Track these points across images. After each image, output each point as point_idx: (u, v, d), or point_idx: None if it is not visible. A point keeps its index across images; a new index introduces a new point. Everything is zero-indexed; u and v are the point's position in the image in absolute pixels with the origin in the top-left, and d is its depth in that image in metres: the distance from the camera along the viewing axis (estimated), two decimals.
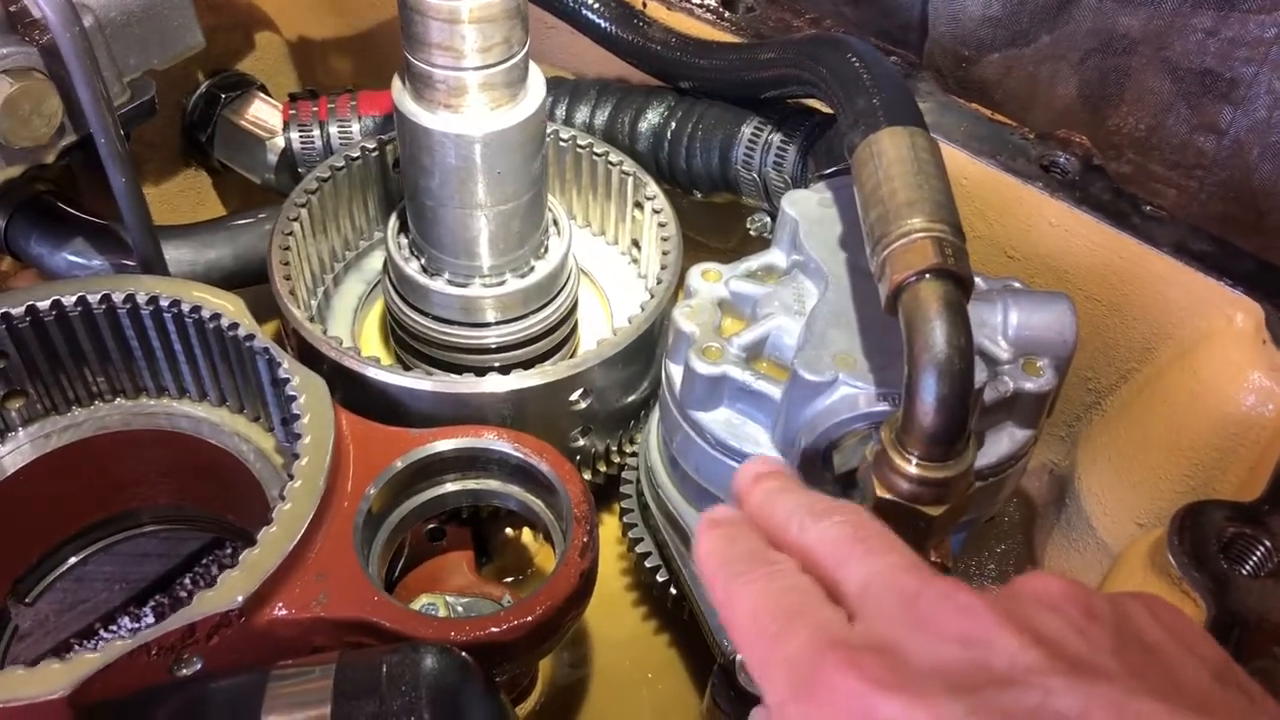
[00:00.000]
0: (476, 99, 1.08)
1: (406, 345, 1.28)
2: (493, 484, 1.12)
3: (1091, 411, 1.32)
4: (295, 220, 1.28)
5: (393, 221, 1.25)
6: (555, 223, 1.27)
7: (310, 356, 1.17)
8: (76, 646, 1.36)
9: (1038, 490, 1.42)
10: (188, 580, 1.44)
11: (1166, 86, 1.42)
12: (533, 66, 1.13)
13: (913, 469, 0.83)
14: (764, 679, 0.64)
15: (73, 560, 1.30)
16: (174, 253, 1.35)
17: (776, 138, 1.29)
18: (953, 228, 0.87)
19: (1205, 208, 1.48)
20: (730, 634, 0.68)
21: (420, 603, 1.14)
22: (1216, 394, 1.13)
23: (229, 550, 1.45)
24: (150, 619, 1.40)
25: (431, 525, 1.26)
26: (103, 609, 1.38)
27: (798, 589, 0.66)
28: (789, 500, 0.73)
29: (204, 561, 1.45)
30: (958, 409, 0.81)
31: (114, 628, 1.39)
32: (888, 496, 0.85)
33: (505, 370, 1.17)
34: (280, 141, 1.49)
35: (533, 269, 1.23)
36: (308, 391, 1.06)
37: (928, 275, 0.84)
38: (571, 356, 1.30)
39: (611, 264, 1.47)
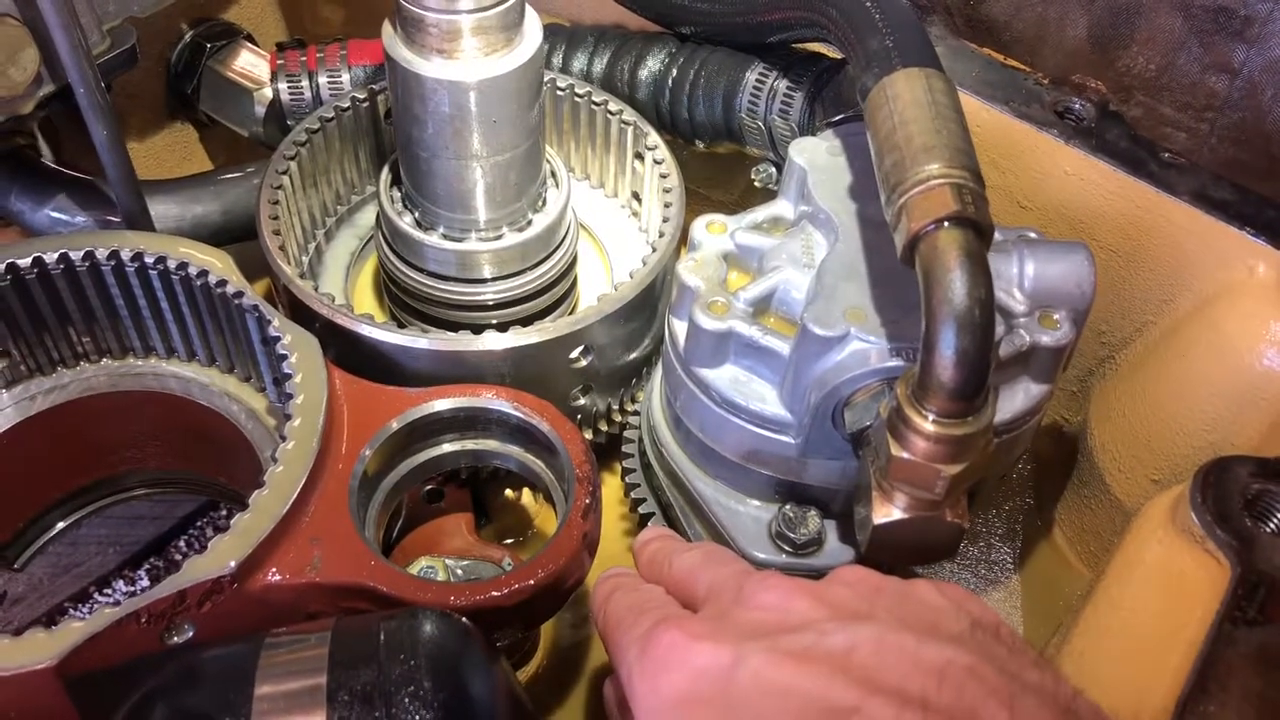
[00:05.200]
0: (470, 44, 1.03)
1: (401, 302, 1.25)
2: (492, 444, 1.09)
3: (1105, 365, 1.29)
4: (284, 174, 1.24)
5: (385, 174, 1.21)
6: (553, 174, 1.23)
7: (302, 314, 1.13)
8: (71, 610, 1.34)
9: (1047, 447, 1.40)
10: (182, 543, 1.42)
11: (1178, 24, 1.38)
12: (529, 10, 1.09)
13: (930, 426, 0.80)
14: (619, 660, 0.79)
15: (61, 525, 1.27)
16: (160, 208, 1.32)
17: (782, 84, 1.25)
18: (972, 174, 0.83)
19: (1216, 152, 1.45)
20: (603, 641, 0.85)
21: (419, 566, 1.11)
22: (1236, 346, 1.10)
23: (224, 512, 1.42)
24: (145, 582, 1.37)
25: (430, 487, 1.23)
26: (96, 573, 1.36)
27: (653, 597, 0.85)
28: (665, 548, 0.92)
29: (199, 524, 1.43)
30: (978, 363, 0.78)
31: (108, 591, 1.37)
32: (904, 455, 0.82)
33: (503, 327, 1.13)
34: (268, 93, 1.45)
35: (531, 222, 1.20)
36: (299, 350, 1.03)
37: (946, 223, 0.81)
38: (571, 313, 1.27)
39: (611, 217, 1.43)
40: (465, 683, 0.78)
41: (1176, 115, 1.45)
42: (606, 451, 1.32)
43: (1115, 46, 1.45)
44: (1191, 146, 1.45)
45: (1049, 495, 1.37)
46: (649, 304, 1.20)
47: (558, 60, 1.39)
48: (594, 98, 1.35)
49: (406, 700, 0.74)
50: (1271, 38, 1.33)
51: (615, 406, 1.27)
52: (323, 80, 1.41)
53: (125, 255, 1.09)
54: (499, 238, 1.18)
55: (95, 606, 1.34)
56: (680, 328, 1.04)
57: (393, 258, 1.21)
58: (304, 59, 1.42)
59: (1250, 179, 1.19)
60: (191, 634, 0.87)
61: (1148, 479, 1.19)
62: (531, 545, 1.35)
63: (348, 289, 1.34)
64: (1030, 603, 1.33)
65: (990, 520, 1.40)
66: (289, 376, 1.01)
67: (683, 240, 1.18)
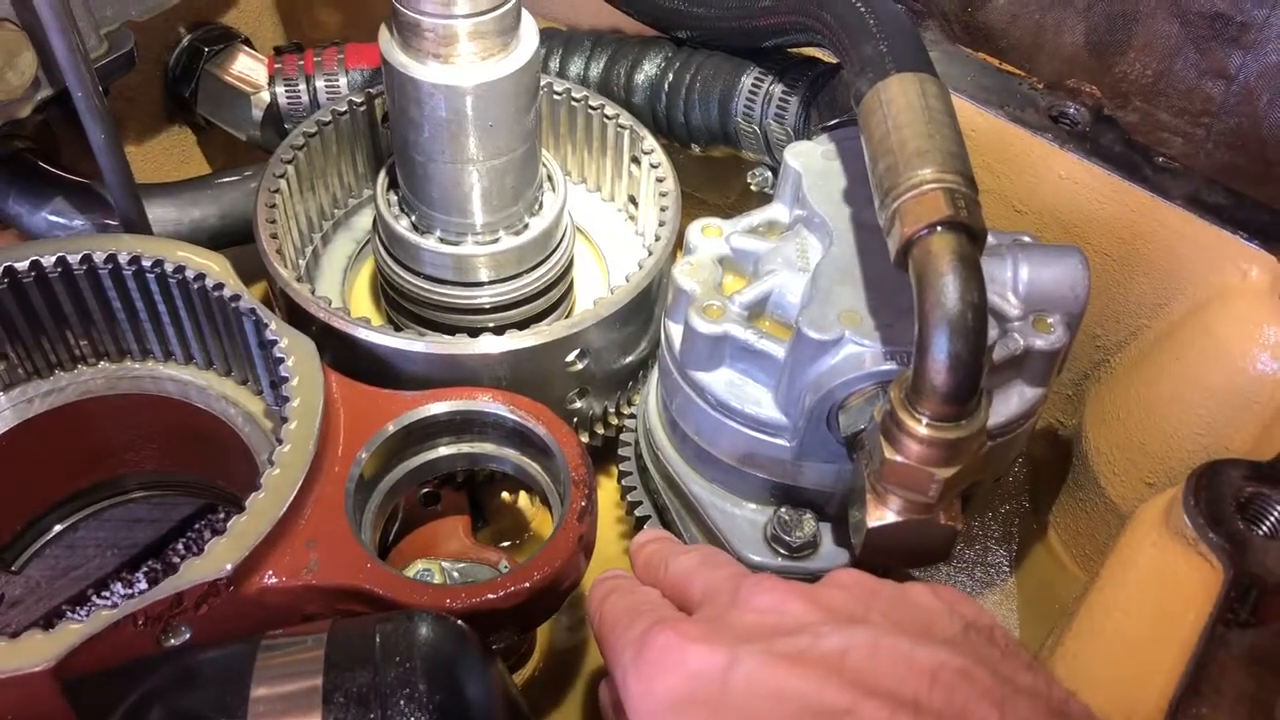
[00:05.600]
0: (467, 48, 1.04)
1: (398, 305, 1.25)
2: (488, 447, 1.09)
3: (1099, 369, 1.29)
4: (281, 177, 1.24)
5: (382, 178, 1.22)
6: (550, 178, 1.24)
7: (298, 317, 1.13)
8: (69, 613, 1.34)
9: (1042, 450, 1.40)
10: (180, 546, 1.42)
11: (1175, 30, 1.39)
12: (525, 15, 1.09)
13: (923, 430, 0.81)
14: (614, 663, 0.79)
15: (59, 528, 1.27)
16: (157, 211, 1.32)
17: (778, 89, 1.25)
18: (965, 178, 0.84)
19: (1212, 157, 1.45)
20: (598, 643, 0.85)
21: (415, 568, 1.12)
22: (1230, 350, 1.10)
23: (222, 515, 1.42)
24: (143, 585, 1.38)
25: (426, 489, 1.23)
26: (95, 575, 1.36)
27: (649, 599, 0.86)
28: (661, 550, 0.93)
29: (196, 526, 1.43)
30: (971, 367, 0.79)
31: (106, 594, 1.37)
32: (897, 458, 0.82)
33: (500, 331, 1.14)
34: (265, 96, 1.45)
35: (527, 226, 1.20)
36: (296, 353, 1.03)
37: (939, 228, 0.81)
38: (567, 316, 1.27)
39: (607, 221, 1.43)
40: (461, 685, 0.79)
41: (1173, 121, 1.46)
42: (602, 455, 1.32)
43: (1112, 52, 1.45)
44: (1187, 152, 1.45)
45: (1044, 498, 1.38)
46: (645, 307, 1.21)
47: (554, 64, 1.39)
48: (590, 102, 1.35)
49: (402, 702, 0.75)
50: (1267, 43, 1.33)
51: (611, 410, 1.28)
52: (320, 84, 1.41)
53: (123, 259, 1.10)
54: (495, 241, 1.18)
55: (93, 609, 1.34)
56: (676, 331, 1.04)
57: (389, 261, 1.22)
58: (301, 63, 1.42)
59: (1245, 184, 1.19)
60: (188, 636, 0.88)
61: (1142, 482, 1.19)
62: (528, 548, 1.35)
63: (344, 292, 1.34)
64: (1026, 605, 1.34)
65: (986, 523, 1.40)
66: (286, 380, 1.01)
67: (678, 244, 1.18)
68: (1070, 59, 1.48)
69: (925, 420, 0.81)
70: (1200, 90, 1.41)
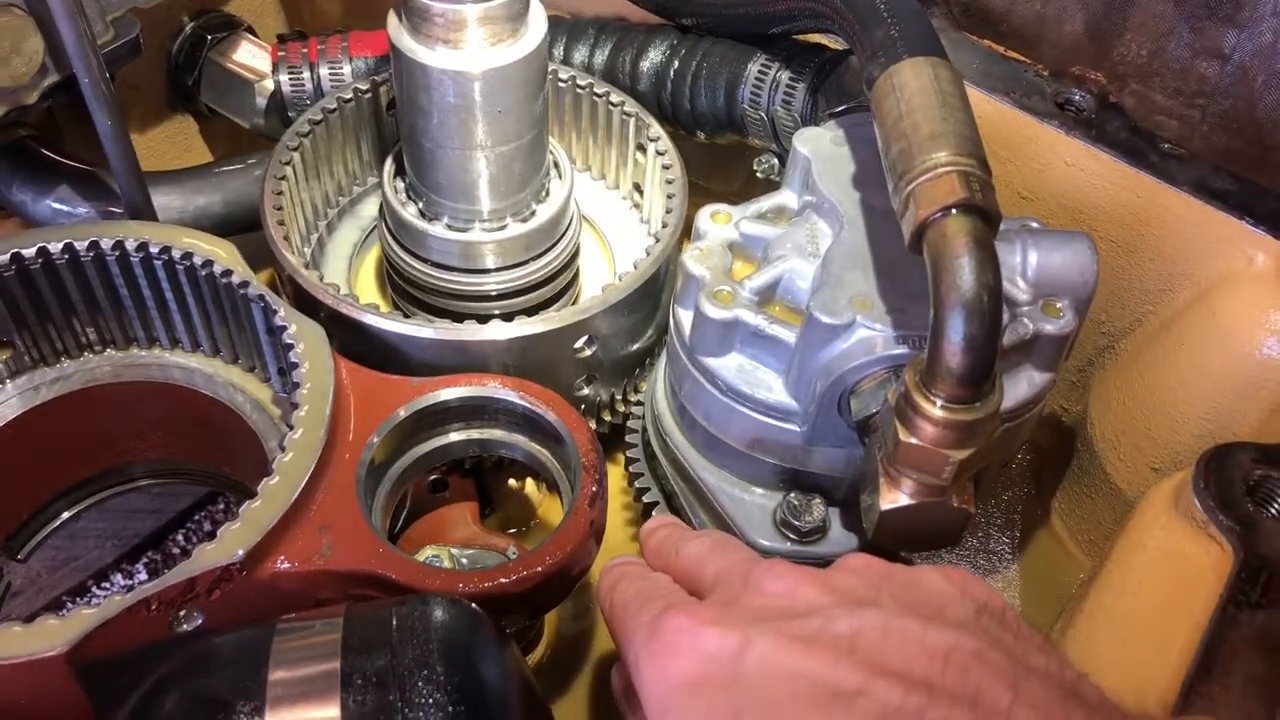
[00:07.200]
0: (476, 34, 1.04)
1: (404, 292, 1.25)
2: (498, 433, 1.09)
3: (1104, 355, 1.29)
4: (288, 164, 1.24)
5: (389, 165, 1.22)
6: (556, 165, 1.24)
7: (306, 304, 1.13)
8: (69, 604, 1.34)
9: (1047, 436, 1.40)
10: (180, 536, 1.42)
11: (1169, 9, 1.39)
12: (534, 1, 1.09)
13: (938, 412, 0.81)
14: (626, 647, 0.80)
15: (65, 516, 1.27)
16: (162, 199, 1.31)
17: (785, 75, 1.25)
18: (979, 161, 0.84)
19: (1208, 140, 1.45)
20: (609, 628, 0.86)
21: (424, 555, 1.11)
22: (1236, 336, 1.11)
23: (222, 505, 1.42)
24: (143, 575, 1.38)
25: (434, 476, 1.23)
26: (95, 566, 1.37)
27: (660, 584, 0.86)
28: (671, 536, 0.93)
29: (197, 517, 1.43)
30: (986, 349, 0.79)
31: (107, 584, 1.37)
32: (912, 440, 0.83)
33: (508, 317, 1.14)
34: (269, 84, 1.45)
35: (534, 213, 1.20)
36: (305, 339, 1.03)
37: (954, 210, 0.81)
38: (573, 304, 1.27)
39: (612, 209, 1.43)
40: (477, 666, 0.79)
41: (1168, 103, 1.45)
42: (609, 441, 1.32)
43: (1110, 35, 1.45)
44: (1184, 134, 1.45)
45: (1048, 484, 1.38)
46: (653, 294, 1.21)
47: (559, 52, 1.39)
48: (595, 89, 1.35)
49: (420, 684, 0.75)
50: (1261, 21, 1.33)
51: (619, 396, 1.28)
52: (324, 72, 1.41)
53: (130, 245, 1.09)
54: (503, 228, 1.18)
55: (93, 600, 1.34)
56: (686, 317, 1.05)
57: (396, 248, 1.21)
58: (305, 51, 1.42)
59: (1242, 167, 1.19)
60: (200, 621, 0.88)
61: (1148, 467, 1.20)
62: (535, 535, 1.35)
63: (350, 280, 1.34)
64: (1029, 591, 1.34)
65: (989, 510, 1.41)
66: (295, 366, 1.01)
67: (685, 231, 1.18)
68: (1070, 44, 1.48)
69: (940, 402, 0.81)
70: (1195, 70, 1.41)
